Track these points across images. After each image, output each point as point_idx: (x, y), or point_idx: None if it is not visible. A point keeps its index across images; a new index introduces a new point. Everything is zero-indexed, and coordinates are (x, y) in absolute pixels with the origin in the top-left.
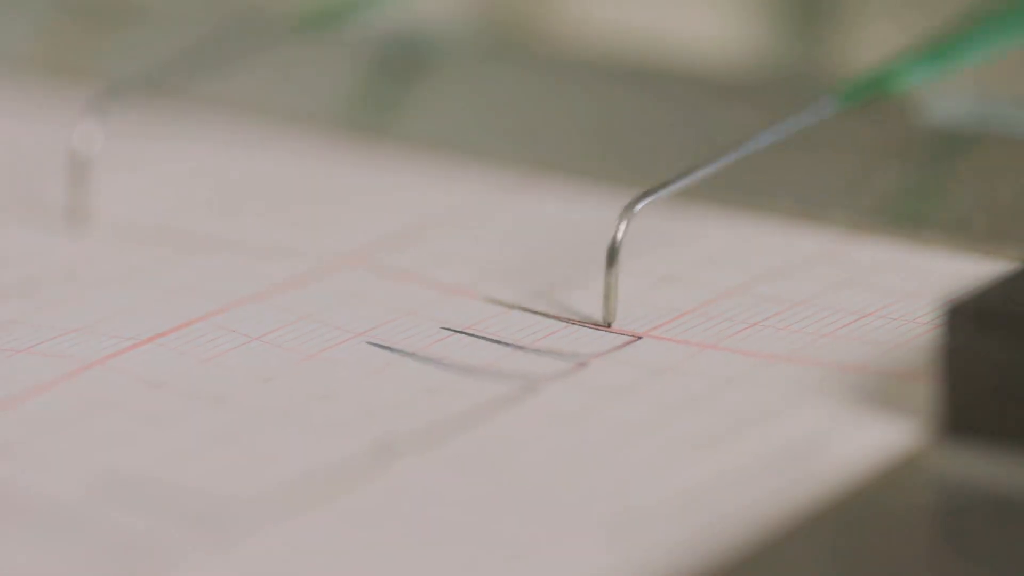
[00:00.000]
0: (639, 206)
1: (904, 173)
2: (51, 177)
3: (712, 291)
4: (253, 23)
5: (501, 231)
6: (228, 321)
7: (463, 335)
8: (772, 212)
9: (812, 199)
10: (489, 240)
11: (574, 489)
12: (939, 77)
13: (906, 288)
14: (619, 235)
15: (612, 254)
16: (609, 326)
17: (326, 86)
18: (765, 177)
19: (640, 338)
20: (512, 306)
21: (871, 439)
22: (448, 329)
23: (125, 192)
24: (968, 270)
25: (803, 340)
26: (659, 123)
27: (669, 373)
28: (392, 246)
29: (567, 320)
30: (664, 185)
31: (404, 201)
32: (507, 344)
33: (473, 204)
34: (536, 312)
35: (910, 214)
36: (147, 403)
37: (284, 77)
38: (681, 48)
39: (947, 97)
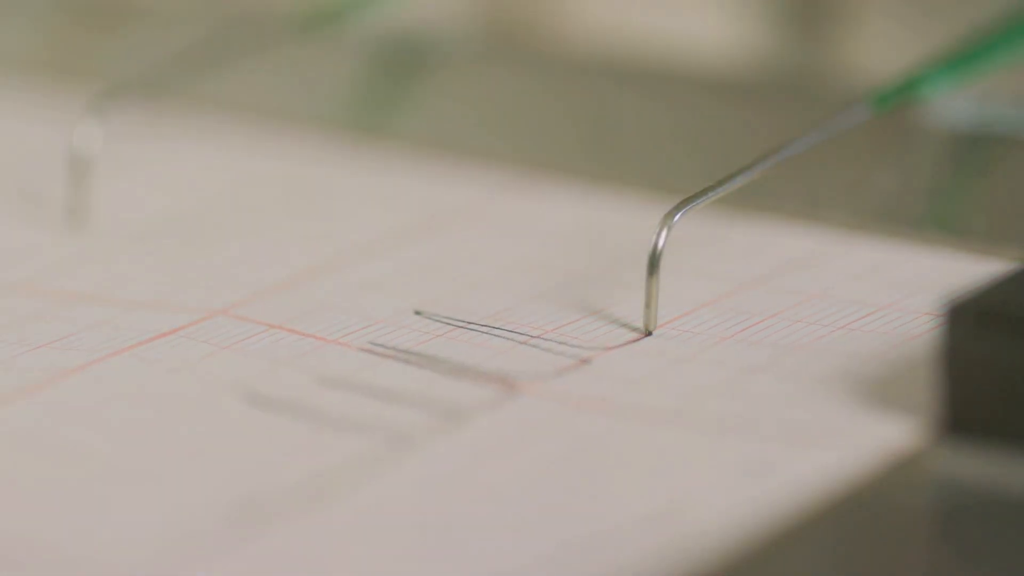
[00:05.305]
0: (679, 214)
1: (905, 173)
2: (51, 177)
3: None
4: (253, 23)
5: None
6: (101, 372)
7: (338, 388)
8: (772, 212)
9: (813, 199)
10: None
11: (446, 550)
12: (967, 83)
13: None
14: (660, 243)
15: (653, 261)
16: (650, 333)
17: (326, 86)
18: (765, 177)
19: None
20: (405, 352)
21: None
22: (325, 382)
23: (125, 192)
24: (968, 270)
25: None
26: (659, 124)
27: (538, 431)
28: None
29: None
30: (703, 192)
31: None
32: (385, 399)
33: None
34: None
35: (910, 214)
36: (5, 460)
37: (284, 77)
38: (681, 49)
39: (949, 98)
